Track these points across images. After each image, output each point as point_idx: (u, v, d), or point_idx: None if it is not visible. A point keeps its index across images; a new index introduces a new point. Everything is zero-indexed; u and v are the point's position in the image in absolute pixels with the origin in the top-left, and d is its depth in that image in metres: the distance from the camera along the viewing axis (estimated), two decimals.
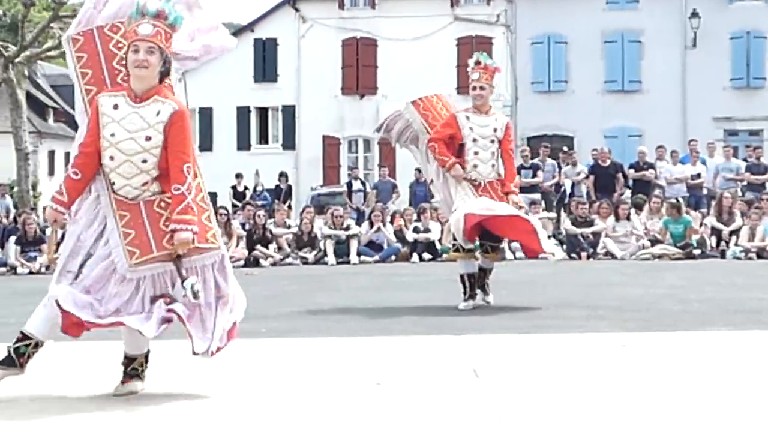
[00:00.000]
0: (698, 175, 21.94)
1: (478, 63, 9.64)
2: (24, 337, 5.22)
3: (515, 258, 17.81)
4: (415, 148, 10.21)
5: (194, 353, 5.14)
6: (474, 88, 9.61)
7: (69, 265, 5.14)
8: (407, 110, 10.07)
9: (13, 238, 18.16)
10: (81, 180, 5.22)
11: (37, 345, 5.21)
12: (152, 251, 5.10)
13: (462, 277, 9.69)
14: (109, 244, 5.13)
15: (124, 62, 5.28)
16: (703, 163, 22.38)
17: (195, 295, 5.02)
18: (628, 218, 18.30)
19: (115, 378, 5.32)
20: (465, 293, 9.64)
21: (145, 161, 5.18)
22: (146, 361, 5.45)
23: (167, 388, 5.38)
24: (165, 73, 5.33)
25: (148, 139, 5.17)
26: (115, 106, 5.23)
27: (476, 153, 9.47)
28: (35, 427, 4.55)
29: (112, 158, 5.16)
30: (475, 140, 9.49)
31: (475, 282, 9.68)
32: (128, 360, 5.39)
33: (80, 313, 4.98)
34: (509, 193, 9.49)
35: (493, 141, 9.52)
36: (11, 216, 21.80)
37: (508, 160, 9.65)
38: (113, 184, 5.19)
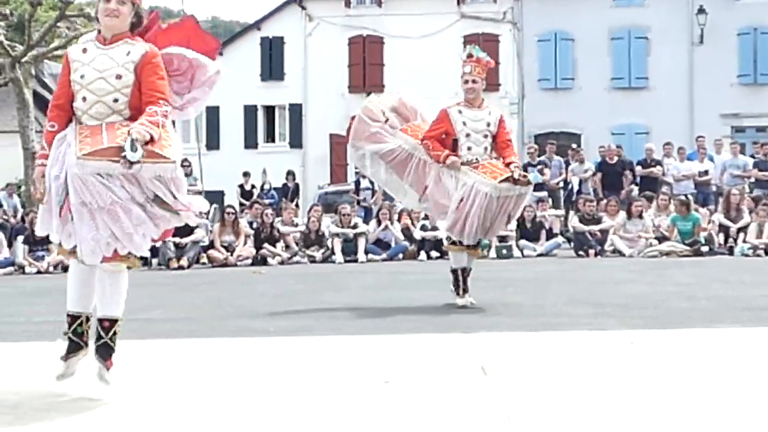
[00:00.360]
0: (706, 172, 21.95)
1: (470, 56, 9.59)
2: (73, 318, 5.32)
3: (523, 256, 17.85)
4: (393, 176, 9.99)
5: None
6: (466, 82, 9.54)
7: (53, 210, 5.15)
8: (399, 138, 9.81)
9: (21, 238, 18.19)
10: (57, 131, 5.23)
11: (88, 319, 5.35)
12: (101, 143, 5.00)
13: (455, 272, 9.65)
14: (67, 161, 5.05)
15: None
16: (711, 159, 22.40)
17: (132, 146, 4.84)
18: (640, 216, 18.29)
19: (118, 379, 5.33)
20: (459, 289, 9.60)
21: (116, 100, 5.19)
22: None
23: (173, 387, 5.40)
24: (137, 25, 5.36)
25: (119, 77, 5.19)
26: (84, 50, 5.29)
27: (469, 148, 9.36)
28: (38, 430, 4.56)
29: (84, 99, 5.19)
30: (468, 135, 9.39)
31: (468, 276, 9.64)
32: (107, 323, 5.28)
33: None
34: (510, 164, 9.27)
35: (486, 135, 9.43)
36: (19, 215, 21.86)
37: (506, 148, 9.52)
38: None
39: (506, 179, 9.08)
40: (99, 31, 5.35)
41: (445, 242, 10.37)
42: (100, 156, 4.95)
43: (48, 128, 5.29)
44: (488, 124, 9.47)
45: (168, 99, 5.30)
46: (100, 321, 5.29)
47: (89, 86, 5.18)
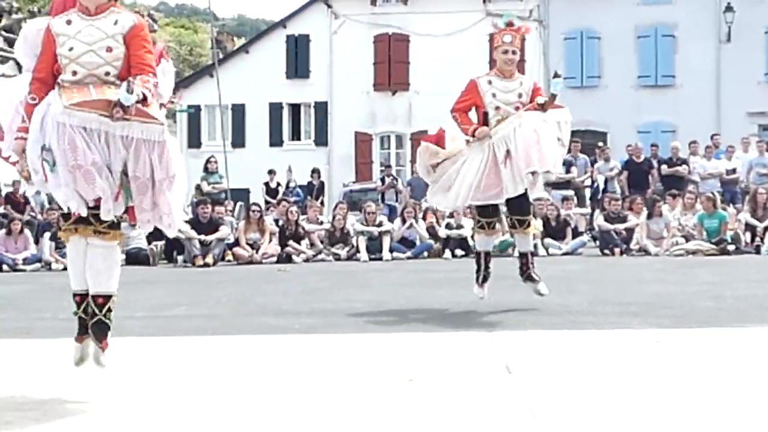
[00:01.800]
0: (733, 170, 21.87)
1: (510, 24, 8.98)
2: (80, 297, 5.31)
3: (548, 254, 17.81)
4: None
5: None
6: (505, 52, 8.86)
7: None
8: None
9: (47, 234, 18.29)
10: (39, 103, 5.10)
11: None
12: (90, 96, 4.91)
13: (478, 255, 9.39)
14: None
15: None
16: (719, 156, 22.43)
17: (128, 87, 4.77)
18: (660, 214, 18.24)
19: (120, 380, 5.34)
20: (479, 273, 9.29)
21: (107, 73, 5.08)
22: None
23: (198, 384, 5.41)
24: None
25: (109, 50, 5.08)
26: (68, 22, 5.14)
27: (499, 121, 8.74)
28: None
29: (75, 73, 5.06)
30: (497, 108, 8.78)
31: (490, 261, 9.34)
32: (100, 300, 5.22)
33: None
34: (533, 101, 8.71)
35: (518, 108, 8.76)
36: (45, 212, 21.97)
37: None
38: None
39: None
40: (79, 2, 5.17)
41: (475, 226, 9.74)
42: (89, 108, 4.87)
43: (29, 100, 5.14)
44: (520, 95, 8.84)
45: (156, 73, 5.19)
46: (94, 298, 5.22)
47: (79, 60, 5.06)
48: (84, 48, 5.06)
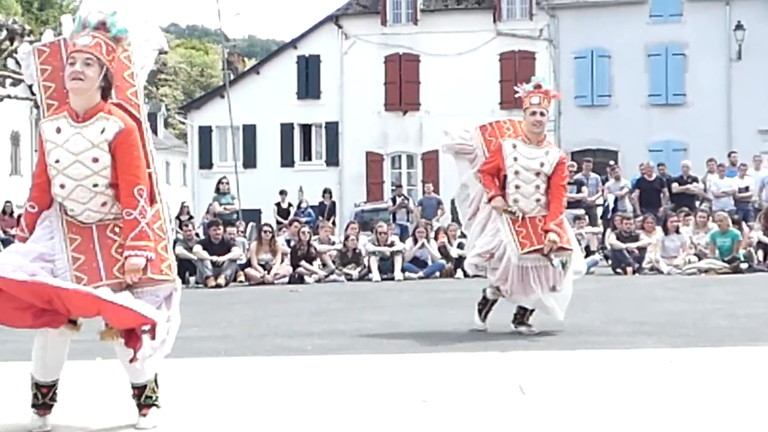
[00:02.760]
0: (746, 188, 21.84)
1: (538, 87, 8.88)
2: (46, 388, 5.07)
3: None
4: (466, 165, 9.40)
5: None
6: (534, 113, 8.75)
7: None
8: (475, 134, 9.19)
9: None
10: (38, 213, 4.96)
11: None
12: (101, 279, 4.74)
13: (486, 300, 9.17)
14: (56, 265, 4.80)
15: None
16: (732, 175, 22.45)
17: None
18: (677, 231, 18.22)
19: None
20: (481, 314, 9.18)
21: (96, 185, 4.85)
22: (157, 386, 5.11)
23: (210, 406, 5.40)
24: (107, 89, 4.96)
25: (95, 160, 4.84)
26: (58, 130, 4.91)
27: (517, 187, 8.71)
28: None
29: (62, 186, 4.86)
30: (517, 172, 8.72)
31: (492, 307, 9.16)
32: (137, 390, 5.07)
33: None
34: (548, 231, 8.57)
35: (538, 174, 8.70)
36: None
37: (555, 196, 8.77)
38: (72, 210, 4.89)
39: (535, 251, 8.63)
40: (70, 106, 4.94)
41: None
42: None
43: (28, 209, 5.00)
44: (542, 164, 8.73)
45: (144, 180, 4.91)
46: (132, 386, 5.08)
47: (65, 171, 4.85)
48: (70, 159, 4.84)
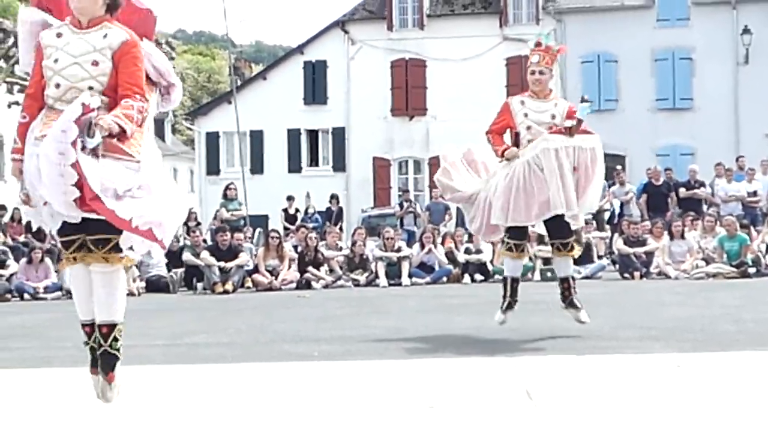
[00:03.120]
0: (755, 193, 21.83)
1: (538, 44, 8.77)
2: (89, 327, 5.27)
3: None
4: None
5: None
6: (533, 72, 8.68)
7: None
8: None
9: None
10: (28, 123, 5.00)
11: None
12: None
13: (505, 280, 9.00)
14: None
15: None
16: (740, 179, 22.42)
17: (89, 131, 4.61)
18: (682, 236, 18.21)
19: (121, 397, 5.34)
20: (504, 300, 8.95)
21: (91, 88, 4.88)
22: (120, 335, 5.22)
23: (218, 412, 5.41)
24: (112, 7, 5.05)
25: (95, 63, 4.91)
26: (59, 35, 5.00)
27: (530, 141, 8.49)
28: None
29: (57, 86, 4.92)
30: (529, 128, 8.54)
31: (518, 288, 8.98)
32: (105, 329, 5.16)
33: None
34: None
35: (550, 128, 8.51)
36: None
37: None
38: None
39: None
40: (73, 15, 5.03)
41: (500, 247, 9.51)
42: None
43: (20, 119, 5.04)
44: (553, 116, 8.59)
45: (145, 93, 5.01)
46: (99, 327, 5.14)
47: (62, 72, 4.91)
48: (69, 60, 4.91)
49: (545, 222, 8.71)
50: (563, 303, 8.94)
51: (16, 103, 31.19)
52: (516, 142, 8.67)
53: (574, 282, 8.99)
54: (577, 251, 9.11)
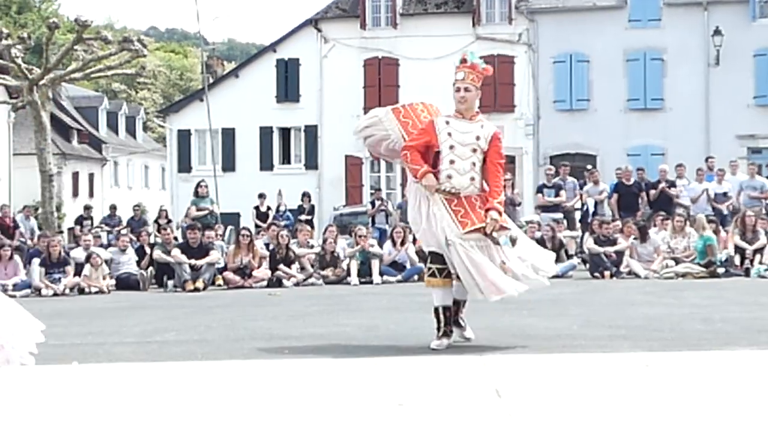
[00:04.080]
0: (724, 194, 21.97)
1: (463, 61, 8.35)
2: None
3: None
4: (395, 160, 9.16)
5: None
6: (458, 90, 8.26)
7: None
8: (386, 118, 8.65)
9: (37, 260, 18.26)
10: None
11: None
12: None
13: (437, 310, 8.36)
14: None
15: None
16: (710, 180, 22.61)
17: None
18: (648, 237, 18.38)
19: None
20: (438, 329, 8.34)
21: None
22: None
23: (186, 410, 5.40)
24: None
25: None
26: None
27: (452, 162, 8.13)
28: None
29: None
30: (452, 147, 8.15)
31: (451, 316, 8.39)
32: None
33: None
34: (489, 210, 8.04)
35: (474, 150, 8.17)
36: (35, 238, 21.93)
37: (493, 173, 8.21)
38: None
39: (476, 230, 8.03)
40: None
41: (426, 273, 8.71)
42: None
43: None
44: (477, 138, 8.21)
45: None
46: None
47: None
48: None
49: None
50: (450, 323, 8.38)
51: None
52: (435, 163, 8.24)
53: (464, 305, 8.52)
54: None
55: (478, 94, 8.37)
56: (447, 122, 8.22)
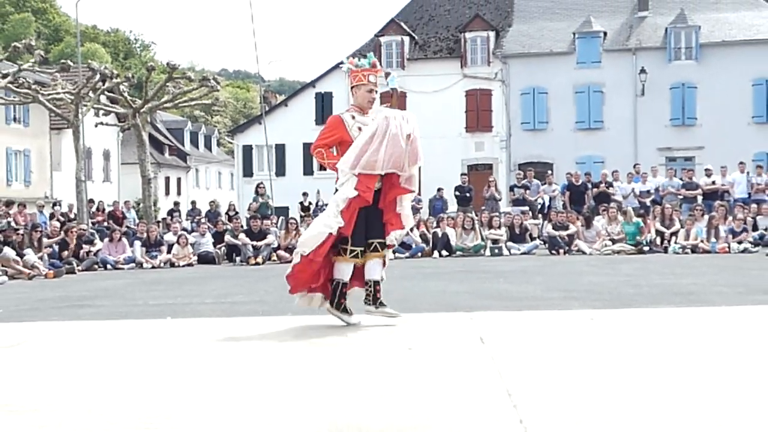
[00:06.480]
0: (647, 192, 22.01)
1: (374, 66, 6.86)
2: None
3: (510, 254, 17.78)
4: None
5: None
6: (371, 91, 6.72)
7: None
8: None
9: (138, 242, 18.30)
10: None
11: None
12: None
13: (337, 284, 6.67)
14: None
15: None
16: (637, 181, 22.76)
17: None
18: (592, 225, 18.40)
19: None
20: (341, 305, 6.70)
21: None
22: None
23: (250, 353, 5.39)
24: None
25: None
26: None
27: None
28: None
29: None
30: None
31: (378, 288, 6.74)
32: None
33: None
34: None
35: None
36: (137, 224, 22.01)
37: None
38: None
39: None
40: None
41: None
42: None
43: None
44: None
45: None
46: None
47: None
48: None
49: (367, 222, 6.56)
50: (373, 305, 6.66)
51: (102, 123, 31.07)
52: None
53: (379, 285, 6.74)
54: (389, 253, 6.89)
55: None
56: (353, 117, 6.63)
